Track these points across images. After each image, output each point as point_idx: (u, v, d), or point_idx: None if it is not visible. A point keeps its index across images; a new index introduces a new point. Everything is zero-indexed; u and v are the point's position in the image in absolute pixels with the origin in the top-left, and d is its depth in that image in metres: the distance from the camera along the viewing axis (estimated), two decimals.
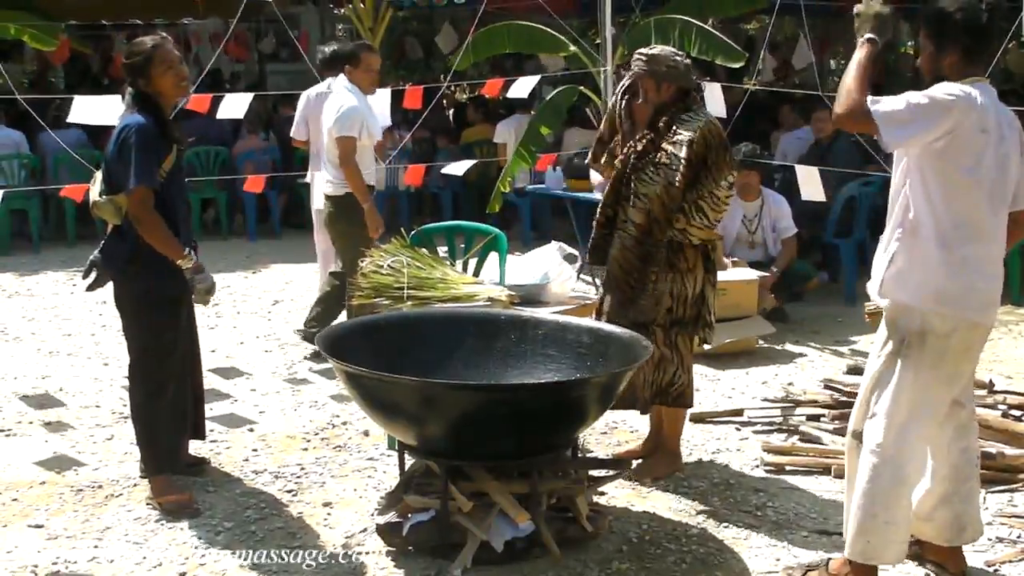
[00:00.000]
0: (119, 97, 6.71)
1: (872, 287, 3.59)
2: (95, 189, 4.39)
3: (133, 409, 4.45)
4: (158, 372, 4.36)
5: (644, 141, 4.49)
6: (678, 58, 4.50)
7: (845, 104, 3.35)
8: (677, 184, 4.34)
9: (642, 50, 4.57)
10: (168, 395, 4.40)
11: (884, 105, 3.31)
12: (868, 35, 3.46)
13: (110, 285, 4.41)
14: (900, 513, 3.51)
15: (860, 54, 3.43)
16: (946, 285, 3.40)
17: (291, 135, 7.90)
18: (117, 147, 4.25)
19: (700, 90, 4.43)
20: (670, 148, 4.38)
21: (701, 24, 7.82)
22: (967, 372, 3.58)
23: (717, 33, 7.93)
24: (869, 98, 3.32)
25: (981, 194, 3.38)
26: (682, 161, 4.34)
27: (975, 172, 3.36)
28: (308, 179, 7.51)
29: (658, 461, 4.69)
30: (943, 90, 3.35)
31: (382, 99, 7.50)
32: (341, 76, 6.55)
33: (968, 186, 3.37)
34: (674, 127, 4.41)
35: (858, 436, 3.61)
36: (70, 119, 6.85)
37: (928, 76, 3.51)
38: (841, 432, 4.97)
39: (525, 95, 8.81)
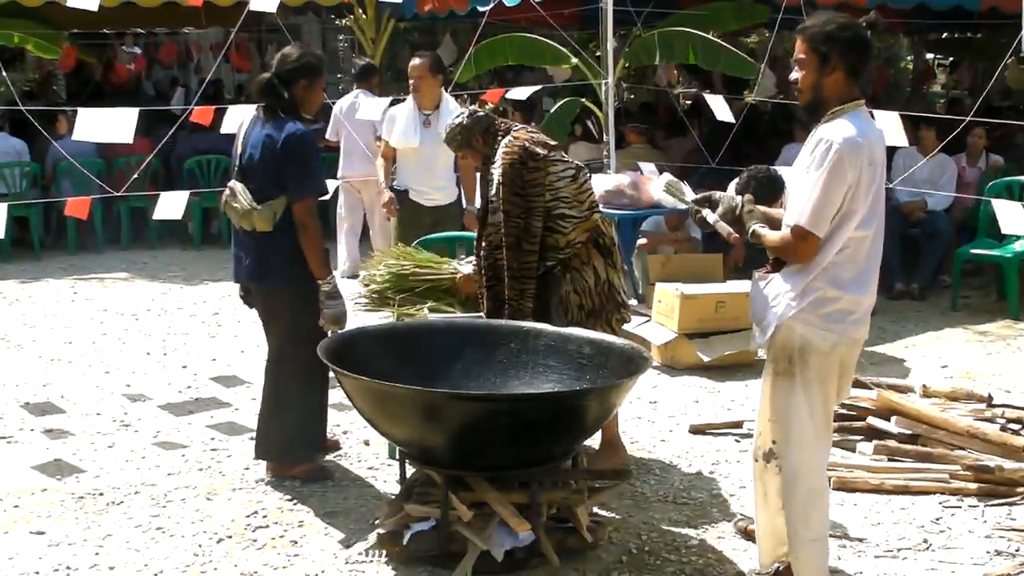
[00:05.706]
0: (124, 111, 6.75)
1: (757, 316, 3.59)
2: (242, 199, 4.46)
3: (287, 401, 4.59)
4: (312, 363, 4.24)
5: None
6: (457, 120, 4.64)
7: (795, 246, 3.37)
8: (505, 205, 4.45)
9: (445, 139, 4.75)
10: (319, 384, 4.67)
11: (806, 212, 3.31)
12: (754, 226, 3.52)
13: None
14: (821, 529, 3.57)
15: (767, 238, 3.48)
16: (827, 304, 3.41)
17: (325, 136, 8.78)
18: (286, 153, 4.34)
19: (501, 126, 4.64)
20: (493, 183, 4.54)
21: (707, 36, 7.80)
22: (847, 386, 3.62)
23: (725, 44, 7.90)
24: (794, 225, 3.34)
25: (861, 221, 3.39)
26: (499, 185, 4.48)
27: (869, 206, 3.38)
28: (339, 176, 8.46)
29: (603, 455, 4.82)
30: (832, 156, 3.29)
31: (378, 109, 7.56)
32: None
33: (854, 219, 3.37)
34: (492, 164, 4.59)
35: (766, 457, 3.62)
36: (75, 137, 6.84)
37: (808, 95, 3.48)
38: (841, 445, 5.00)
39: (523, 98, 8.87)
